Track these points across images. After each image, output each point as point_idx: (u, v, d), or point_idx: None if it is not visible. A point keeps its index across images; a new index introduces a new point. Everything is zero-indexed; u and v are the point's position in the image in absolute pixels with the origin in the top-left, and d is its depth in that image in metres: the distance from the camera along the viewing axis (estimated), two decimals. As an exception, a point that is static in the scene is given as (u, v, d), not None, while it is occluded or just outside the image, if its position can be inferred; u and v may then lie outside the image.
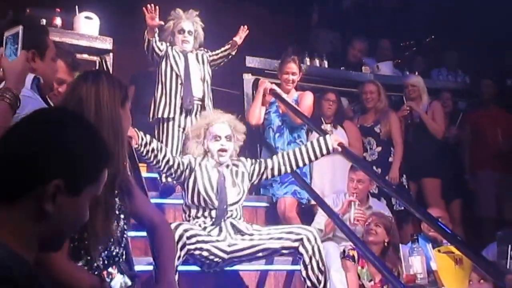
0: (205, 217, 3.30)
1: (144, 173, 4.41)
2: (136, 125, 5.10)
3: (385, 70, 5.92)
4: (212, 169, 3.40)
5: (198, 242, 3.12)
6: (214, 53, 4.49)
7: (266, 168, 3.46)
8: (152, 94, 4.81)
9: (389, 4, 7.16)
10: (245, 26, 4.54)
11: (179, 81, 4.28)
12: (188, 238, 3.07)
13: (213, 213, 3.29)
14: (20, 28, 1.85)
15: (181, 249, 3.00)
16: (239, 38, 4.46)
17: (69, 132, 1.17)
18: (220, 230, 3.26)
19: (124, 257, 1.91)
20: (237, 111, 5.20)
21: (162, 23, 4.34)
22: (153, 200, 3.82)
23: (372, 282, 3.73)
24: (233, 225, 3.30)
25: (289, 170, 3.54)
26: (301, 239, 3.22)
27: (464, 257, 3.61)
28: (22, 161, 1.11)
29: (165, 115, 4.26)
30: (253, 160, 3.53)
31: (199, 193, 3.30)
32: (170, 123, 4.28)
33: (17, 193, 1.09)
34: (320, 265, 3.22)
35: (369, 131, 5.01)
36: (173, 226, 2.96)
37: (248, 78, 5.00)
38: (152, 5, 4.24)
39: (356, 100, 5.34)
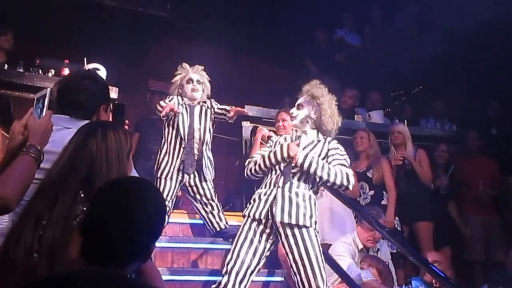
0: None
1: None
2: (140, 169, 5.19)
3: (376, 119, 6.02)
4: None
5: None
6: (217, 106, 4.47)
7: None
8: (155, 141, 4.85)
9: (379, 56, 7.30)
10: (244, 109, 4.60)
11: (183, 144, 4.28)
12: None
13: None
14: (47, 91, 1.99)
15: None
16: (235, 112, 4.41)
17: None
18: None
19: None
20: (236, 156, 5.31)
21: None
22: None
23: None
24: None
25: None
26: None
27: (456, 299, 3.55)
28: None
29: (163, 176, 4.27)
30: None
31: None
32: (169, 179, 4.29)
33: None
34: None
35: (362, 176, 5.04)
36: None
37: (246, 126, 5.05)
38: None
39: (349, 146, 5.39)
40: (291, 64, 7.10)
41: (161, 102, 4.32)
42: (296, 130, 3.58)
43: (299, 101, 3.53)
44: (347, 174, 3.25)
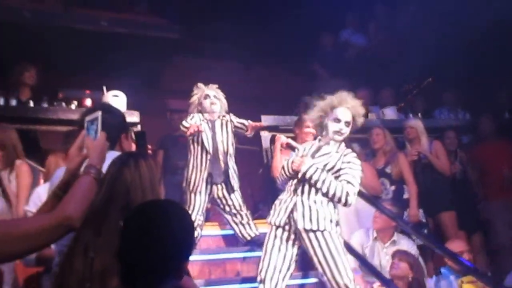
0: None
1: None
2: (165, 184, 5.32)
3: (390, 115, 6.05)
4: None
5: None
6: (237, 120, 4.55)
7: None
8: (179, 156, 4.95)
9: (386, 52, 7.32)
10: (260, 122, 4.69)
11: (208, 157, 4.36)
12: None
13: None
14: (99, 113, 2.03)
15: None
16: (251, 128, 4.50)
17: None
18: None
19: None
20: (258, 166, 5.39)
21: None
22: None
23: (402, 317, 3.73)
24: None
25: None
26: None
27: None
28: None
29: (193, 189, 4.35)
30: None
31: None
32: (199, 193, 4.37)
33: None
34: None
35: (381, 172, 5.09)
36: None
37: (265, 135, 5.12)
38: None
39: (367, 145, 5.44)
40: (301, 70, 7.15)
41: (184, 122, 4.39)
42: (319, 140, 3.60)
43: (347, 118, 3.50)
44: (347, 192, 3.33)
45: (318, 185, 3.33)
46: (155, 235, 1.54)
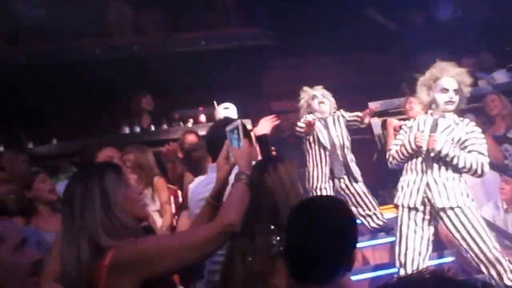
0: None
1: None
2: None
3: (500, 78, 5.73)
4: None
5: None
6: (348, 114, 4.58)
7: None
8: (291, 158, 5.04)
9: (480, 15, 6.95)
10: (376, 106, 4.61)
11: (327, 153, 4.43)
12: None
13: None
14: (238, 122, 2.08)
15: None
16: (367, 118, 4.51)
17: None
18: None
19: None
20: (369, 153, 5.35)
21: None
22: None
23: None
24: None
25: None
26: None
27: None
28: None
29: (317, 186, 4.41)
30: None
31: None
32: (322, 189, 4.43)
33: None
34: None
35: (503, 138, 4.87)
36: None
37: (375, 122, 5.07)
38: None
39: (482, 113, 5.20)
40: (396, 51, 6.96)
41: (299, 123, 4.48)
42: (431, 114, 3.48)
43: (454, 86, 3.38)
44: (482, 164, 3.25)
45: (454, 161, 3.24)
46: (326, 228, 1.60)
